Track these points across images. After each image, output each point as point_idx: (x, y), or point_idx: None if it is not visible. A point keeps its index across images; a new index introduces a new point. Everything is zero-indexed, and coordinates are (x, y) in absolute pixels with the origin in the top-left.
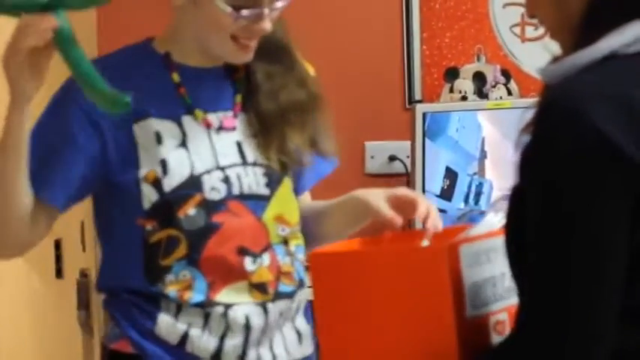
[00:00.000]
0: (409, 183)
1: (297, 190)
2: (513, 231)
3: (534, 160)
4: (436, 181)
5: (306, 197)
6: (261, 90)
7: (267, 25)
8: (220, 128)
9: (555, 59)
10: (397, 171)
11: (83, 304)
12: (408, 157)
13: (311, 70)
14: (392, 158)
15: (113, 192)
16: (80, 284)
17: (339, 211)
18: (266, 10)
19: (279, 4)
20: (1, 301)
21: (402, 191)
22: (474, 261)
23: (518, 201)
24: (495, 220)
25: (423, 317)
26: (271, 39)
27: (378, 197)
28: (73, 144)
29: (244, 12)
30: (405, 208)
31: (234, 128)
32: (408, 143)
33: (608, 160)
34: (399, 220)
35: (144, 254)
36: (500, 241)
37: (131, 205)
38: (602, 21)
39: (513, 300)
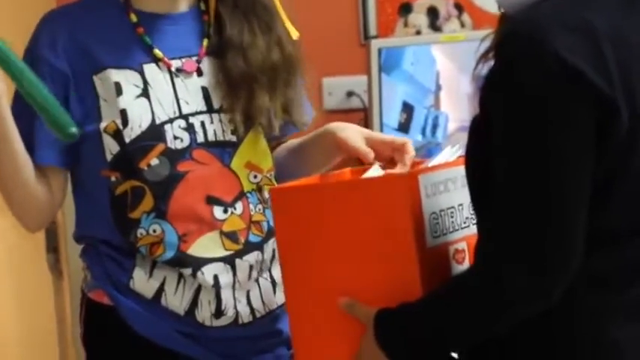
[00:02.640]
0: (367, 118)
1: (272, 138)
2: (475, 160)
3: (498, 89)
4: (393, 115)
5: (282, 140)
6: (232, 44)
7: None
8: (180, 70)
9: None
10: (355, 106)
11: (52, 247)
12: (365, 91)
13: (294, 34)
14: (349, 94)
15: (78, 144)
16: (48, 228)
17: (314, 147)
18: None
19: None
20: None
21: (378, 134)
22: (432, 191)
23: (479, 130)
24: (452, 151)
25: (385, 248)
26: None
27: (355, 134)
28: None
29: None
30: (382, 146)
31: (195, 71)
32: (365, 78)
33: (571, 85)
34: (371, 156)
35: (111, 206)
36: (457, 171)
37: (95, 157)
38: None
39: (472, 230)
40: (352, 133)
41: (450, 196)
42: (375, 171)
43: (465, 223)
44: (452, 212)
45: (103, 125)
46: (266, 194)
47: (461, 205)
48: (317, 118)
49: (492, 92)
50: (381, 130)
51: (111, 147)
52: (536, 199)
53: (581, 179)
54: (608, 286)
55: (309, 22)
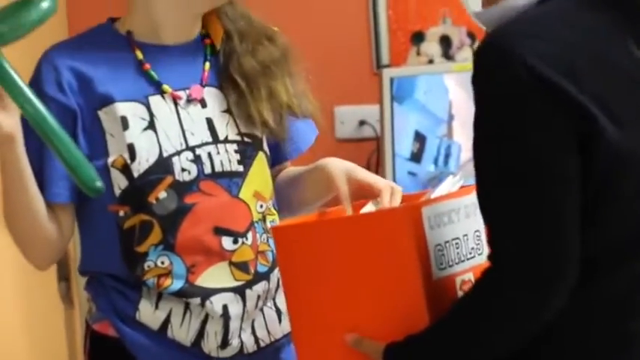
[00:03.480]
0: (379, 147)
1: (276, 161)
2: (478, 184)
3: (474, 97)
4: (406, 145)
5: (284, 166)
6: (239, 50)
7: None
8: (189, 100)
9: (489, 3)
10: (367, 135)
11: (63, 276)
12: (377, 121)
13: (274, 27)
14: (362, 123)
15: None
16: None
17: (308, 180)
18: None
19: None
20: None
21: (363, 174)
22: (436, 222)
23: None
24: (454, 181)
25: (390, 281)
26: (233, 6)
27: (339, 172)
28: None
29: None
30: (359, 189)
31: (202, 100)
32: (378, 107)
33: (540, 91)
34: (346, 197)
35: (119, 240)
36: (460, 202)
37: (103, 193)
38: None
39: (478, 260)
40: (336, 171)
41: (454, 227)
42: (368, 208)
43: (470, 253)
44: (457, 243)
45: (110, 160)
46: (268, 224)
47: (465, 235)
48: (329, 147)
49: (474, 104)
50: (393, 160)
51: (119, 182)
52: (519, 206)
53: (564, 186)
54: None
55: (322, 50)
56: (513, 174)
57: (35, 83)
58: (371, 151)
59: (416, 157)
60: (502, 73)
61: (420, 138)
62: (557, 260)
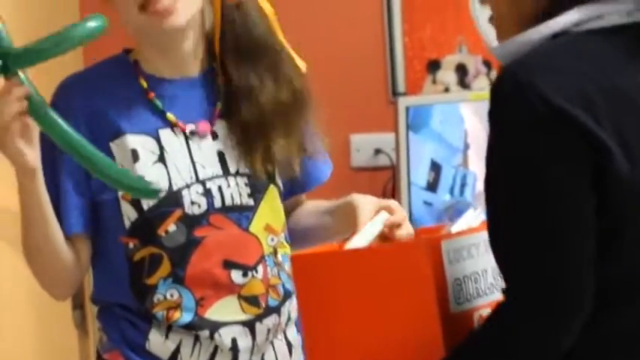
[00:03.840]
0: (395, 176)
1: (289, 194)
2: (490, 222)
3: (489, 136)
4: (421, 174)
5: (300, 198)
6: (241, 92)
7: None
8: (194, 133)
9: (504, 37)
10: (383, 164)
11: (78, 304)
12: (393, 149)
13: (301, 66)
14: (377, 151)
15: (97, 211)
16: None
17: (335, 214)
18: None
19: None
20: (2, 303)
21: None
22: (455, 257)
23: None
24: (475, 214)
25: (408, 314)
26: (250, 36)
27: (366, 212)
28: (63, 171)
29: None
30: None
31: (207, 135)
32: (393, 136)
33: (555, 122)
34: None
35: (129, 272)
36: (480, 236)
37: (113, 224)
38: (555, 9)
39: (497, 295)
40: (365, 206)
41: (474, 261)
42: (381, 217)
43: (489, 289)
44: (476, 278)
45: (121, 192)
46: (280, 257)
47: (485, 270)
48: (344, 175)
49: (488, 140)
50: (409, 189)
51: (129, 214)
52: (533, 239)
53: (579, 219)
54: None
55: (338, 78)
56: (527, 206)
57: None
58: (386, 180)
59: (431, 186)
60: (518, 105)
61: (435, 167)
62: (572, 294)
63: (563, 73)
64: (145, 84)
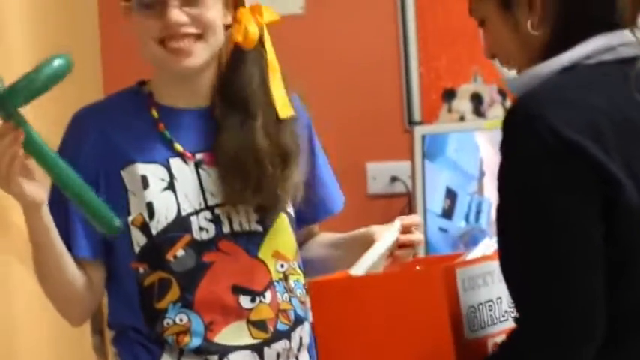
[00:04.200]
0: (411, 203)
1: (300, 223)
2: (503, 248)
3: (500, 167)
4: (437, 201)
5: (312, 229)
6: (232, 133)
7: (175, 16)
8: (202, 162)
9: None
10: (399, 191)
11: (97, 329)
12: (409, 177)
13: (289, 112)
14: (393, 179)
15: (108, 237)
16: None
17: (353, 243)
18: (170, 4)
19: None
20: (21, 327)
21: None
22: (470, 284)
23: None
24: (490, 243)
25: (422, 341)
26: (238, 87)
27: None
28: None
29: (148, 7)
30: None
31: (214, 164)
32: (409, 164)
33: (565, 155)
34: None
35: (140, 297)
36: (495, 264)
37: (124, 250)
38: (565, 42)
39: (511, 323)
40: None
41: (489, 289)
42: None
43: (503, 316)
44: (490, 305)
45: (131, 218)
46: (291, 283)
47: (499, 298)
48: (361, 203)
49: (499, 172)
50: (425, 216)
51: (138, 239)
52: (544, 269)
53: (589, 249)
54: None
55: (354, 107)
56: (536, 236)
57: (64, 142)
58: (402, 207)
59: (447, 213)
60: (528, 137)
61: (451, 195)
62: (581, 324)
63: (574, 106)
64: (156, 115)
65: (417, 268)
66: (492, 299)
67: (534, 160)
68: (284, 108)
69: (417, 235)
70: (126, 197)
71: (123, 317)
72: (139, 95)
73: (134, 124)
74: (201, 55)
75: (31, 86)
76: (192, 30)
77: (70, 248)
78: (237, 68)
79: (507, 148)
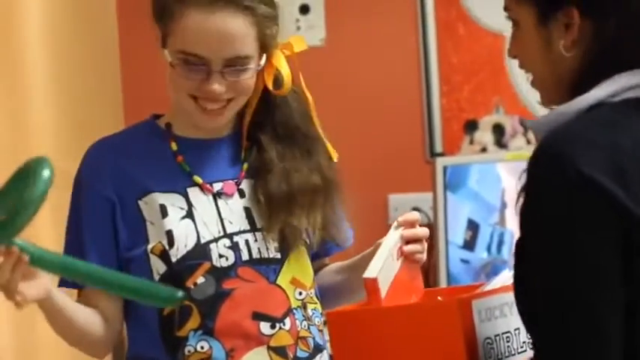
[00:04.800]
0: (432, 234)
1: (315, 256)
2: (519, 283)
3: (526, 204)
4: (459, 232)
5: (323, 261)
6: (273, 170)
7: (215, 87)
8: (220, 194)
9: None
10: (420, 223)
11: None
12: (431, 208)
13: (333, 155)
14: (415, 210)
15: (126, 267)
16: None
17: (360, 268)
18: (215, 71)
19: (233, 69)
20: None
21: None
22: (487, 316)
23: (522, 251)
24: (510, 275)
25: None
26: (288, 123)
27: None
28: (86, 229)
29: (188, 67)
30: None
31: (234, 194)
32: (431, 195)
33: (591, 197)
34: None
35: (160, 326)
36: (513, 296)
37: (143, 278)
38: (593, 77)
39: (529, 354)
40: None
41: (506, 320)
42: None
43: (521, 347)
44: (508, 337)
45: (149, 247)
46: (309, 312)
47: (517, 329)
48: (383, 234)
49: (523, 208)
50: (446, 248)
51: (158, 267)
52: (563, 306)
53: (609, 288)
54: None
55: (376, 138)
56: (558, 273)
57: (80, 172)
58: None
59: (469, 244)
60: (553, 176)
61: (472, 226)
62: None
63: (598, 146)
64: (175, 147)
65: (439, 298)
66: (510, 331)
67: (558, 199)
68: (331, 149)
69: (421, 229)
70: (144, 226)
71: (143, 349)
72: (154, 127)
73: (151, 155)
74: (229, 114)
75: (25, 214)
76: (227, 96)
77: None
78: (277, 106)
79: (532, 184)
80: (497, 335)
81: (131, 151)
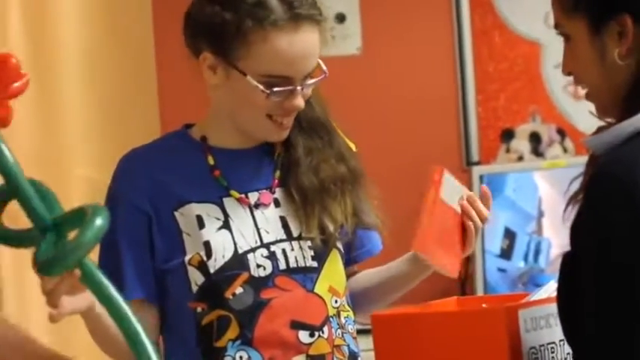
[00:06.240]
0: None
1: (346, 263)
2: (566, 297)
3: (588, 229)
4: (496, 241)
5: (353, 269)
6: (302, 164)
7: (299, 102)
8: (258, 205)
9: (599, 129)
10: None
11: None
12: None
13: (352, 146)
14: None
15: (162, 279)
16: None
17: (401, 266)
18: (298, 88)
19: (310, 82)
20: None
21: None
22: (532, 326)
23: (572, 267)
24: (555, 286)
25: None
26: (310, 116)
27: None
28: (123, 240)
29: (277, 89)
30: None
31: (271, 204)
32: None
33: None
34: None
35: (198, 337)
36: None
37: (181, 290)
38: None
39: None
40: None
41: (552, 331)
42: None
43: (566, 359)
44: (552, 348)
45: (187, 258)
46: (343, 319)
47: (562, 340)
48: None
49: (583, 233)
50: (483, 257)
51: (196, 278)
52: (620, 334)
53: None
54: None
55: (412, 147)
56: (615, 297)
57: (113, 184)
58: None
59: (506, 253)
60: (618, 200)
61: (509, 234)
62: None
63: None
64: (212, 161)
65: (484, 305)
66: (555, 342)
67: (624, 222)
68: (347, 140)
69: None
70: (180, 237)
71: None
72: (188, 138)
73: (186, 167)
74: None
75: (75, 257)
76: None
77: (120, 290)
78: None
79: (595, 210)
80: (542, 345)
81: (165, 162)
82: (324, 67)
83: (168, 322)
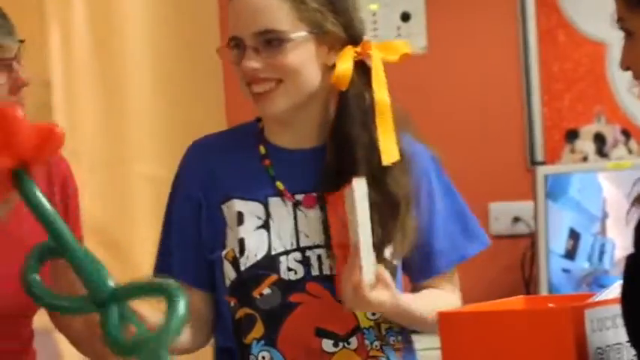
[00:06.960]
0: (534, 244)
1: (420, 276)
2: (630, 299)
3: None
4: (560, 242)
5: (432, 281)
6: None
7: (247, 63)
8: (299, 203)
9: None
10: (521, 232)
11: None
12: (532, 217)
13: (394, 156)
14: (516, 219)
15: (209, 269)
16: None
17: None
18: (247, 48)
19: (263, 44)
20: None
21: None
22: (599, 326)
23: (636, 269)
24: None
25: None
26: (344, 127)
27: None
28: (173, 228)
29: (234, 53)
30: None
31: (314, 206)
32: (532, 204)
33: None
34: None
35: (234, 329)
36: None
37: (220, 283)
38: None
39: None
40: None
41: (618, 332)
42: None
43: None
44: (619, 349)
45: (224, 252)
46: (383, 332)
47: (629, 342)
48: None
49: None
50: (547, 257)
51: (229, 273)
52: None
53: None
54: None
55: (477, 146)
56: None
57: (179, 169)
58: (525, 248)
59: (570, 254)
60: None
61: (574, 235)
62: None
63: None
64: (263, 151)
65: (550, 305)
66: (622, 342)
67: None
68: (388, 153)
69: None
70: (224, 231)
71: (226, 348)
72: (253, 129)
73: (241, 160)
74: (281, 100)
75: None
76: (270, 75)
77: (170, 274)
78: (340, 110)
79: None
80: (609, 346)
81: (224, 151)
82: (295, 37)
83: (218, 310)
